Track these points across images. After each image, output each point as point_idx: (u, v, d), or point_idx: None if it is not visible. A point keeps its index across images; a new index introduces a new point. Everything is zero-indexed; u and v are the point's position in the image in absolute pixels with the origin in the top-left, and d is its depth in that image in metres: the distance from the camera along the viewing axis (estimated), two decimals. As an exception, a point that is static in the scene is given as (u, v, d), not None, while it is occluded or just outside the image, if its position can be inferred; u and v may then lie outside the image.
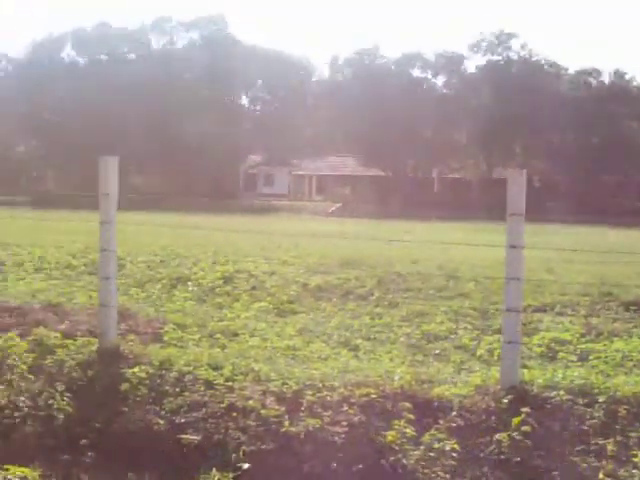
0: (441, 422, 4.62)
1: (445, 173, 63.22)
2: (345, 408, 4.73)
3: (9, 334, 5.86)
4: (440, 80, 63.11)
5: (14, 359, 5.46)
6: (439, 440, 4.40)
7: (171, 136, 55.42)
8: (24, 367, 5.37)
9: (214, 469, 4.47)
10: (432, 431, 4.49)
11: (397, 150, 57.86)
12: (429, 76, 63.06)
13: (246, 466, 4.48)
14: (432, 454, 4.36)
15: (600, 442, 4.41)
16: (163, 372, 5.37)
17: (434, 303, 8.95)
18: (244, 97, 68.69)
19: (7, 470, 4.20)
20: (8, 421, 5.02)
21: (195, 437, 4.79)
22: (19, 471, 4.20)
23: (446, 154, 60.07)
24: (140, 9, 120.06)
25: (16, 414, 5.04)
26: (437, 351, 6.78)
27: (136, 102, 56.26)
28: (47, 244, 13.14)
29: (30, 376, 5.32)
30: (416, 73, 62.44)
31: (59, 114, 61.29)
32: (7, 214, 22.33)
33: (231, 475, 4.42)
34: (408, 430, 4.46)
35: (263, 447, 4.57)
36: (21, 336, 5.88)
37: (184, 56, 62.84)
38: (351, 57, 63.40)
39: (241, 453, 4.56)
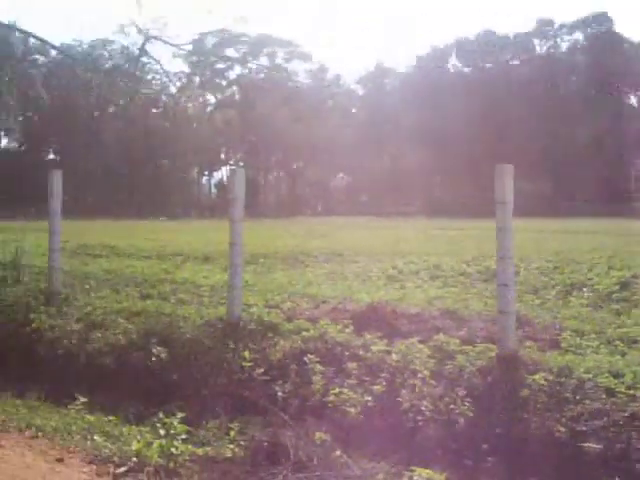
0: None
1: None
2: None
3: (411, 340, 6.39)
4: None
5: (417, 364, 5.96)
6: None
7: (557, 140, 55.00)
8: (426, 372, 5.82)
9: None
10: None
11: None
12: None
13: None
14: None
15: None
16: (562, 379, 5.51)
17: None
18: (632, 97, 65.59)
19: (413, 471, 4.66)
20: (411, 424, 5.54)
21: (596, 446, 4.89)
22: (425, 473, 4.59)
23: None
24: (520, 13, 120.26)
25: (419, 417, 5.52)
26: None
27: (520, 108, 57.30)
28: (441, 252, 14.12)
29: (431, 381, 5.75)
30: None
31: (446, 124, 64.73)
32: (401, 224, 24.20)
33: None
34: None
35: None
36: (422, 342, 6.36)
37: (568, 58, 62.64)
38: None
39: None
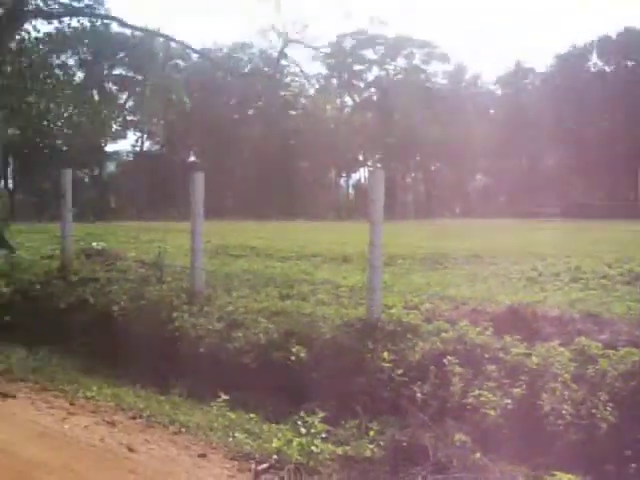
0: None
1: None
2: None
3: (551, 343, 6.29)
4: None
5: (557, 368, 5.88)
6: None
7: None
8: (567, 376, 5.73)
9: None
10: None
11: None
12: None
13: None
14: None
15: None
16: None
17: None
18: None
19: (554, 476, 4.67)
20: (552, 428, 5.45)
21: None
22: (566, 478, 4.62)
23: None
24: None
25: (559, 421, 5.44)
26: None
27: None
28: (582, 254, 13.75)
29: (573, 385, 5.66)
30: None
31: (586, 124, 62.74)
32: (540, 226, 23.70)
33: None
34: None
35: None
36: (562, 345, 6.25)
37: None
38: None
39: None
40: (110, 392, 6.97)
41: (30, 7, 16.67)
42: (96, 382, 7.37)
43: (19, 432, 5.76)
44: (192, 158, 75.92)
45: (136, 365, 7.89)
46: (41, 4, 18.77)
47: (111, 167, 73.81)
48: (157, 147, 76.52)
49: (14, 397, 6.71)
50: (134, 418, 6.17)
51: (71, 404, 6.56)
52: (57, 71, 24.52)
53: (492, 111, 78.80)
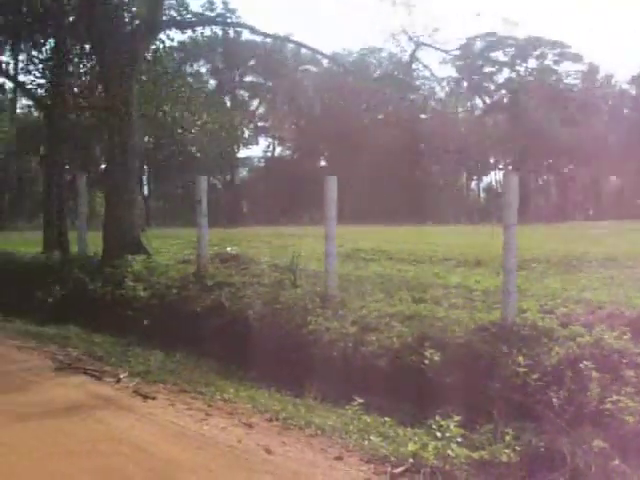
0: None
1: None
2: None
3: None
4: None
5: None
6: None
7: None
8: None
9: None
10: None
11: None
12: None
13: None
14: None
15: None
16: None
17: None
18: None
19: None
20: None
21: None
22: None
23: None
24: None
25: None
26: None
27: None
28: None
29: None
30: None
31: None
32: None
33: None
34: None
35: None
36: None
37: None
38: None
39: None
40: (246, 394, 7.15)
41: (165, 18, 17.33)
42: (232, 384, 7.58)
43: (159, 433, 5.99)
44: (322, 163, 76.80)
45: (270, 368, 8.07)
46: (175, 14, 19.52)
47: (243, 173, 75.71)
48: (288, 152, 77.92)
49: (154, 398, 6.99)
50: (270, 420, 6.30)
51: (209, 406, 6.77)
52: (190, 79, 25.43)
53: (626, 111, 75.82)
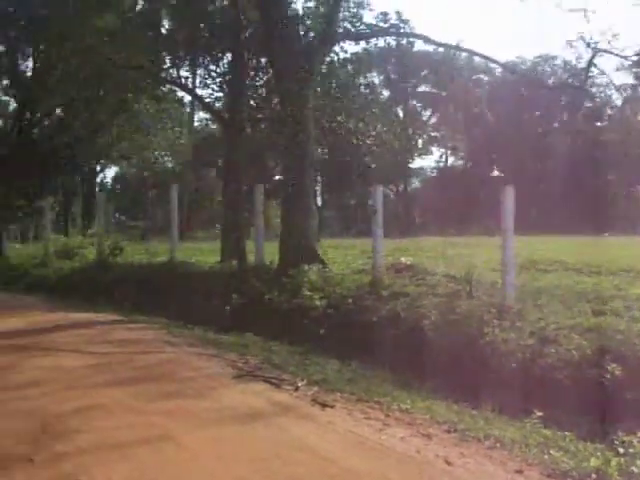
0: None
1: None
2: None
3: None
4: None
5: None
6: None
7: None
8: None
9: None
10: None
11: None
12: None
13: None
14: None
15: None
16: None
17: None
18: None
19: None
20: None
21: None
22: None
23: None
24: None
25: None
26: None
27: None
28: None
29: None
30: None
31: None
32: None
33: None
34: None
35: None
36: None
37: None
38: None
39: None
40: (423, 405, 7.15)
41: (339, 30, 17.70)
42: (409, 395, 7.60)
43: (339, 441, 6.08)
44: (495, 172, 75.31)
45: (446, 379, 8.04)
46: (349, 27, 19.90)
47: (415, 183, 75.58)
48: (460, 162, 77.08)
49: (332, 407, 7.09)
50: (448, 432, 6.27)
51: (386, 416, 6.81)
52: (363, 90, 25.76)
53: None
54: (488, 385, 7.63)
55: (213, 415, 6.71)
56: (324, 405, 7.14)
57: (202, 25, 20.71)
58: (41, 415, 6.66)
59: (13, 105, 32.80)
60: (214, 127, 50.26)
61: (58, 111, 31.04)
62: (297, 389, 7.74)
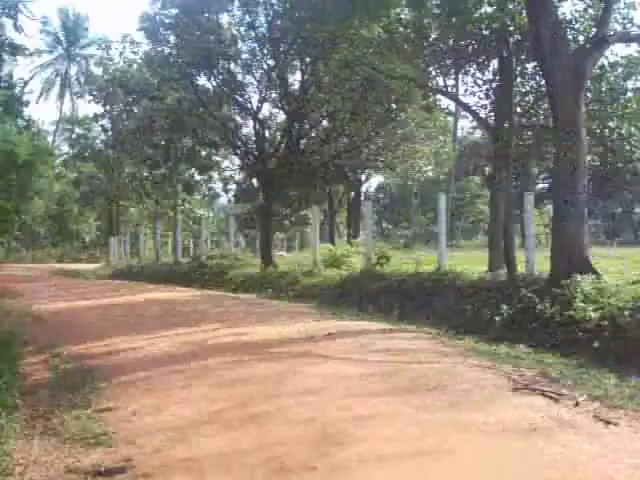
0: None
1: None
2: None
3: None
4: None
5: None
6: None
7: None
8: None
9: None
10: None
11: None
12: None
13: None
14: None
15: None
16: None
17: None
18: None
19: None
20: None
21: None
22: None
23: None
24: None
25: None
26: None
27: None
28: None
29: None
30: None
31: None
32: None
33: None
34: None
35: None
36: None
37: None
38: None
39: None
40: None
41: (610, 33, 16.86)
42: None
43: (624, 460, 5.79)
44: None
45: None
46: (620, 28, 18.85)
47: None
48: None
49: (616, 424, 6.78)
50: None
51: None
52: (634, 94, 24.31)
53: None
54: None
55: (492, 428, 6.63)
56: (607, 422, 6.83)
57: (468, 32, 20.53)
58: (320, 422, 6.80)
59: (281, 117, 34.47)
60: (478, 135, 49.98)
61: (324, 122, 32.27)
62: (577, 404, 7.47)
